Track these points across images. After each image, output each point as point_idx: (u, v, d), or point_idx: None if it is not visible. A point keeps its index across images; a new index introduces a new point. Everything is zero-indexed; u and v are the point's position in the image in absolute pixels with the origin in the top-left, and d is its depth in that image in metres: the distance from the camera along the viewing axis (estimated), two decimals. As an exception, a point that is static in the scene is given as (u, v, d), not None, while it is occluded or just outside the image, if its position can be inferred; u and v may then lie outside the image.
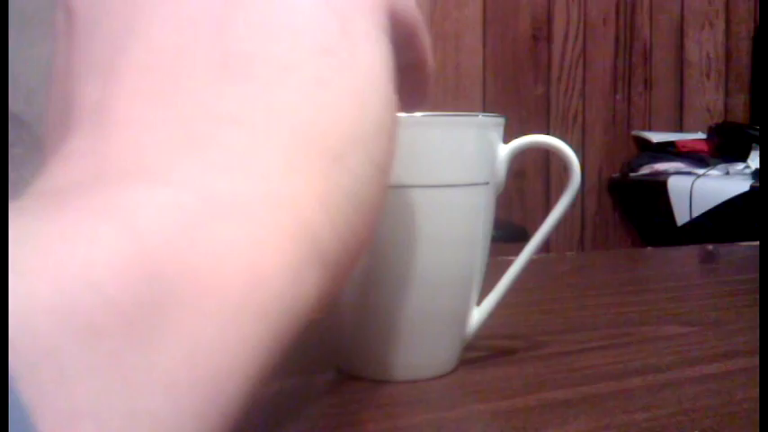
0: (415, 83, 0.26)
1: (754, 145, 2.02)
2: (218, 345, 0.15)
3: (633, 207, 2.15)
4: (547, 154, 1.64)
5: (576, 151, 0.32)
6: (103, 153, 0.17)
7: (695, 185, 1.85)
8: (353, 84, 0.19)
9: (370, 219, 0.20)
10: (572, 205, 0.33)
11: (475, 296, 0.34)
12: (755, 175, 1.84)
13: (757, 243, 0.74)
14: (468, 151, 0.31)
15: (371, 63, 0.20)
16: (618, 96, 2.22)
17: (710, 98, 2.35)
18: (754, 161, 1.98)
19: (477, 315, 0.34)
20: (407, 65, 0.24)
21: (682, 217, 1.85)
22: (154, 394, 0.13)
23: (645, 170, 2.09)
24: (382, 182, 0.20)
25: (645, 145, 2.17)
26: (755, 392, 0.30)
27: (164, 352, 0.14)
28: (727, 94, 2.38)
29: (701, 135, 2.18)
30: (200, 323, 0.14)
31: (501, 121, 0.33)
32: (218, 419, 0.15)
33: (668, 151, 2.09)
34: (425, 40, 0.25)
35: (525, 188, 2.03)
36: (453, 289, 0.32)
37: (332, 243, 0.18)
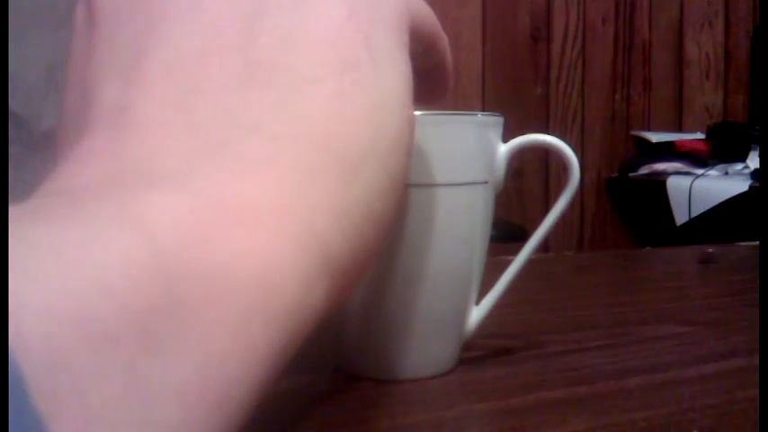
0: (436, 83, 0.27)
1: (753, 145, 2.02)
2: (229, 351, 0.15)
3: (632, 207, 2.15)
4: (546, 153, 1.64)
5: (575, 151, 0.32)
6: (121, 155, 0.17)
7: (694, 185, 1.85)
8: (374, 99, 0.20)
9: (382, 231, 0.20)
10: (571, 205, 0.33)
11: (474, 295, 0.34)
12: (754, 175, 1.84)
13: (756, 243, 0.75)
14: (467, 150, 0.31)
15: (392, 79, 0.20)
16: (617, 96, 2.22)
17: (709, 98, 2.36)
18: (753, 161, 1.98)
19: (476, 314, 0.34)
20: (428, 68, 0.25)
21: (681, 217, 1.85)
22: (166, 402, 0.13)
23: (644, 170, 2.09)
24: (395, 195, 0.21)
25: (644, 145, 2.17)
26: (755, 392, 0.30)
27: (176, 359, 0.14)
28: (726, 94, 2.38)
29: (700, 135, 2.17)
30: (212, 330, 0.15)
31: (500, 120, 0.33)
32: (226, 425, 0.15)
33: (667, 151, 2.09)
34: (445, 45, 0.25)
35: (524, 188, 2.03)
36: (452, 288, 0.32)
37: (342, 254, 0.18)
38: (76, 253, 0.13)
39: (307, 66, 0.19)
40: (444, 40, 0.25)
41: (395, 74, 0.20)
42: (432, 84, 0.26)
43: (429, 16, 0.24)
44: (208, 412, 0.14)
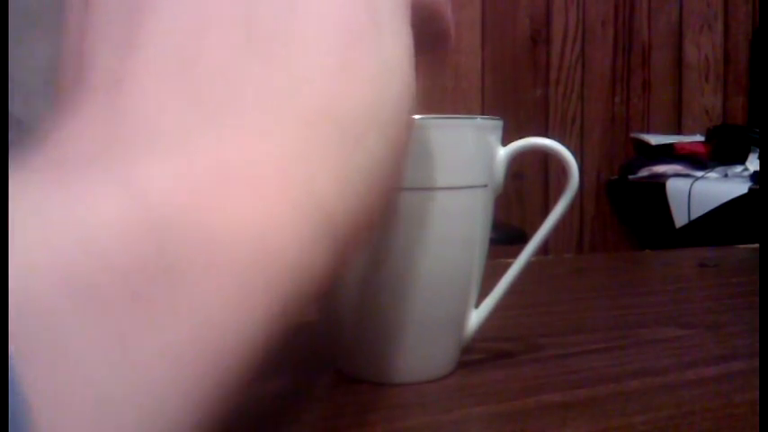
0: (437, 43, 0.27)
1: (752, 147, 2.02)
2: (225, 316, 0.15)
3: (631, 209, 2.15)
4: (545, 156, 1.64)
5: (574, 153, 0.32)
6: (117, 121, 0.17)
7: (694, 188, 1.85)
8: (376, 69, 0.20)
9: (383, 198, 0.20)
10: (570, 207, 0.33)
11: (473, 298, 0.34)
12: (754, 177, 1.84)
13: (756, 246, 0.75)
14: (466, 154, 0.31)
15: (393, 50, 0.20)
16: (616, 98, 2.22)
17: (709, 100, 2.36)
18: (752, 163, 1.98)
19: (476, 317, 0.34)
20: (429, 36, 0.25)
21: (680, 219, 1.85)
22: (154, 362, 0.13)
23: (643, 172, 2.09)
24: (396, 164, 0.21)
25: (643, 147, 2.17)
26: (754, 395, 0.30)
27: (168, 321, 0.13)
28: (725, 96, 2.38)
29: (699, 137, 2.18)
30: (208, 293, 0.14)
31: (499, 123, 0.33)
32: (221, 389, 0.14)
33: (667, 153, 2.09)
34: (446, 8, 0.25)
35: (524, 190, 2.03)
36: (452, 291, 0.32)
37: (343, 220, 0.18)
38: (62, 212, 0.13)
39: (309, 36, 0.19)
40: (444, 4, 0.25)
41: (396, 44, 0.20)
42: (432, 43, 0.26)
43: None
44: (201, 377, 0.14)
